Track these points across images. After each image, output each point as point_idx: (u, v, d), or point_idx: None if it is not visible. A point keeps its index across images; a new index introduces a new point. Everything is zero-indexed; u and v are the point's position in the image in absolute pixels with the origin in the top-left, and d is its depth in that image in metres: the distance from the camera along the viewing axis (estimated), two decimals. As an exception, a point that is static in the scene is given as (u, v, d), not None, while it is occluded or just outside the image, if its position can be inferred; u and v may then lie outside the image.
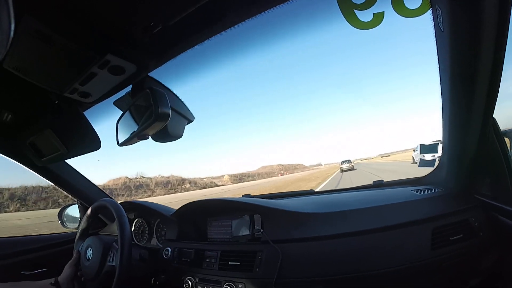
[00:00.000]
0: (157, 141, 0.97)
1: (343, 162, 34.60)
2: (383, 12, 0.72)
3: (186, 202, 1.33)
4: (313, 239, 1.01)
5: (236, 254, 1.10)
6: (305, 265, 0.98)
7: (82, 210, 1.66)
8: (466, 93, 0.81)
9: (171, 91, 0.96)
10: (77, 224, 1.68)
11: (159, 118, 0.79)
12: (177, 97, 0.96)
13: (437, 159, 1.18)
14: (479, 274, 1.00)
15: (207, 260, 1.15)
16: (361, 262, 0.94)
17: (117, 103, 1.03)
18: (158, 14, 0.65)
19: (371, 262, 0.94)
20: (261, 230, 1.12)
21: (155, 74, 0.92)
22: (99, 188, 1.67)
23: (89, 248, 1.13)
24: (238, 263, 1.07)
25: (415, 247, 0.94)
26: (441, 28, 0.72)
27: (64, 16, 0.63)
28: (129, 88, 0.95)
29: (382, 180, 1.43)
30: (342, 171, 30.94)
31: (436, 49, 0.82)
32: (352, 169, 31.13)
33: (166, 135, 0.92)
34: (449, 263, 0.94)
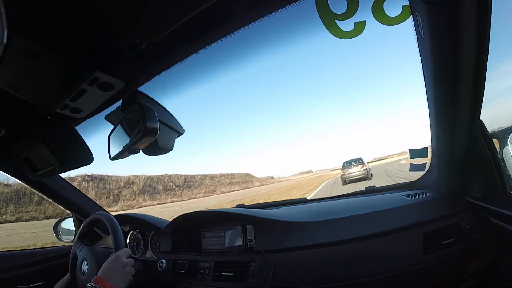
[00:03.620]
0: (148, 155, 0.98)
1: (346, 165, 15.91)
2: (364, 21, 0.74)
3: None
4: (305, 248, 1.01)
5: (230, 265, 1.10)
6: (299, 274, 0.98)
7: (77, 223, 1.66)
8: (451, 97, 0.82)
9: (161, 105, 0.96)
10: (73, 237, 1.68)
11: (147, 133, 0.80)
12: (167, 110, 0.97)
13: (427, 163, 1.18)
14: (471, 277, 0.99)
15: (201, 271, 1.15)
16: (354, 269, 0.94)
17: (108, 118, 1.04)
18: (143, 31, 0.67)
19: (364, 269, 0.93)
20: (253, 240, 1.11)
21: (144, 88, 0.93)
22: (93, 201, 1.68)
23: (84, 262, 1.13)
24: (232, 274, 1.07)
25: (407, 253, 0.94)
26: (422, 35, 0.73)
27: (52, 35, 0.64)
28: (119, 102, 0.96)
29: (374, 186, 1.44)
30: (345, 182, 15.52)
31: (419, 55, 0.84)
32: (365, 177, 14.64)
33: (157, 148, 0.93)
34: (442, 267, 0.94)
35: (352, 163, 15.93)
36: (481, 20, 0.65)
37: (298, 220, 1.09)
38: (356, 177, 15.07)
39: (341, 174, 16.33)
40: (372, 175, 15.69)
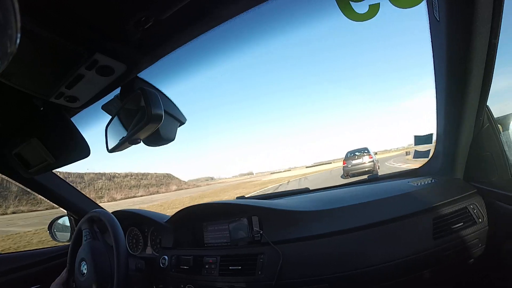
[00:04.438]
0: (149, 145, 0.93)
1: (350, 155, 13.24)
2: (379, 3, 0.72)
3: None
4: (314, 238, 1.00)
5: (237, 258, 1.08)
6: (308, 264, 0.96)
7: (73, 222, 1.58)
8: (461, 82, 0.82)
9: (162, 92, 0.92)
10: (68, 236, 1.61)
11: (152, 120, 0.75)
12: (168, 98, 0.93)
13: (431, 149, 1.19)
14: (479, 260, 1.01)
15: (207, 266, 1.12)
16: (364, 257, 0.94)
17: (105, 107, 0.98)
18: (150, 7, 0.61)
19: (375, 256, 0.93)
20: (261, 232, 1.09)
21: (143, 75, 0.89)
22: (89, 199, 1.61)
23: (83, 262, 1.07)
24: (240, 267, 1.04)
25: (417, 238, 0.94)
26: (437, 18, 0.72)
27: (49, 12, 0.59)
28: (117, 91, 0.91)
29: (377, 174, 1.44)
30: (347, 175, 13.00)
31: (430, 39, 0.83)
32: (372, 170, 11.77)
33: (158, 138, 0.89)
34: (451, 251, 0.95)
35: (357, 153, 13.07)
36: (496, 2, 0.65)
37: (305, 210, 1.08)
38: (362, 170, 12.18)
39: (344, 165, 13.56)
40: (379, 168, 12.92)
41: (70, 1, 0.58)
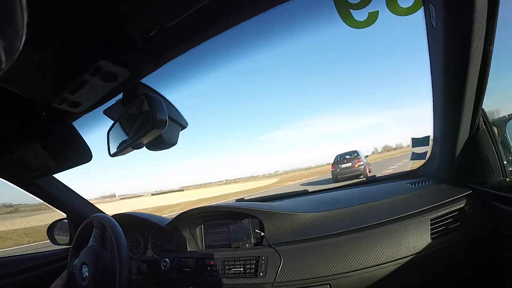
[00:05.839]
0: (151, 150, 0.94)
1: (339, 159, 12.61)
2: (378, 11, 0.74)
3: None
4: (314, 239, 1.02)
5: (238, 260, 1.09)
6: (308, 266, 0.98)
7: (73, 225, 1.57)
8: (457, 86, 0.84)
9: (164, 97, 0.93)
10: (68, 240, 1.60)
11: (156, 125, 0.76)
12: (170, 102, 0.94)
13: (428, 151, 1.22)
14: (476, 259, 1.03)
15: (208, 268, 1.13)
16: (364, 258, 0.96)
17: (107, 112, 0.98)
18: (156, 15, 0.62)
19: (374, 257, 0.95)
20: (262, 234, 1.11)
21: (145, 80, 0.90)
22: (90, 203, 1.60)
23: (84, 266, 1.07)
24: (242, 269, 1.06)
25: (416, 239, 0.96)
26: (434, 26, 0.74)
27: (56, 20, 0.59)
28: (119, 96, 0.92)
29: (375, 176, 1.46)
30: (337, 179, 12.07)
31: (427, 45, 0.85)
32: (362, 173, 11.51)
33: (161, 142, 0.89)
34: (448, 250, 0.97)
35: (347, 156, 12.52)
36: (490, 11, 0.67)
37: (306, 212, 1.10)
38: (351, 174, 11.65)
39: (332, 169, 12.90)
40: (370, 171, 12.15)
41: (78, 10, 0.58)
